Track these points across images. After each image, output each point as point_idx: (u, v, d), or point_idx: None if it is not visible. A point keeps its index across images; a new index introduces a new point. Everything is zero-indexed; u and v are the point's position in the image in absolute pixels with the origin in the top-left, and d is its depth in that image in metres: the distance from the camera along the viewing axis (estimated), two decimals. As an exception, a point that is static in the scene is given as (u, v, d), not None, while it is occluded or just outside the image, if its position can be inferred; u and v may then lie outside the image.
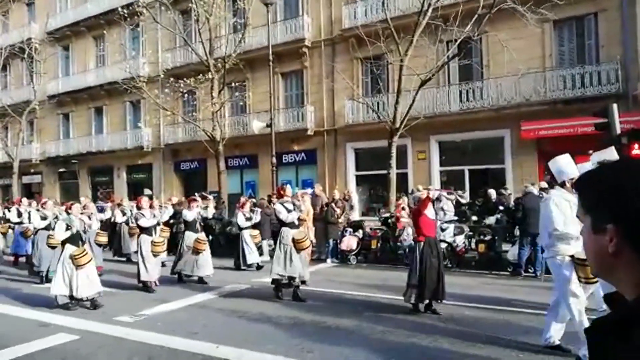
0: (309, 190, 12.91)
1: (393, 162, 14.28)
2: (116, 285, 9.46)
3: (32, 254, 10.56)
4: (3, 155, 28.14)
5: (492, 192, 12.30)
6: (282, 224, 8.01)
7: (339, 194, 13.77)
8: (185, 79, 17.83)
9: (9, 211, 13.34)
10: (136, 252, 11.24)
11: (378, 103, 17.03)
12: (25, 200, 13.79)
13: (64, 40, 28.01)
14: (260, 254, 12.92)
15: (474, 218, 12.22)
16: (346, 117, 18.37)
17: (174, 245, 11.14)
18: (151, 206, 9.83)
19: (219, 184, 17.54)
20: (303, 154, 20.02)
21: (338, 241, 12.32)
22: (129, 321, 6.71)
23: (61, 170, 28.47)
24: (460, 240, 11.20)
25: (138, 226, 9.46)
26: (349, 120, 18.32)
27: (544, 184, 11.77)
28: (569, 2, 13.52)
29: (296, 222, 8.08)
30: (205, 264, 9.67)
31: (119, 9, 19.64)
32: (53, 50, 28.23)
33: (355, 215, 15.10)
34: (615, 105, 9.50)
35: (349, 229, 12.61)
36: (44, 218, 10.43)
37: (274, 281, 7.91)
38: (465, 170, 16.85)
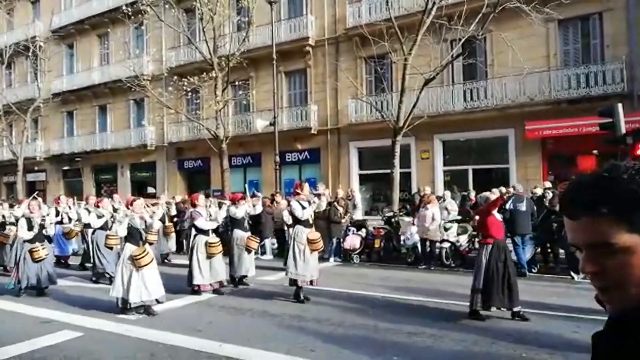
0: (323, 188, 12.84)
1: (396, 161, 14.24)
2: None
3: (94, 254, 9.88)
4: (8, 153, 28.23)
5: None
6: (297, 221, 7.81)
7: (342, 193, 13.76)
8: (189, 78, 17.86)
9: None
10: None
11: (382, 102, 17.00)
12: (63, 198, 12.93)
13: (69, 38, 28.08)
14: (263, 252, 12.94)
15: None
16: (350, 116, 18.35)
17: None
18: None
19: (222, 183, 17.55)
20: (306, 153, 20.02)
21: (341, 240, 12.31)
22: (132, 318, 6.73)
23: (65, 168, 28.56)
24: (463, 239, 11.19)
25: (194, 226, 8.60)
26: (352, 119, 18.30)
27: (548, 184, 11.77)
28: (574, 2, 13.47)
29: (310, 220, 7.88)
30: (252, 264, 9.19)
31: (123, 7, 19.71)
32: (57, 49, 28.29)
33: (359, 215, 15.09)
34: (620, 105, 9.47)
35: (352, 228, 12.60)
36: (100, 217, 9.91)
37: (292, 282, 7.68)
38: (469, 170, 16.80)
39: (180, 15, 20.03)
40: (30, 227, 8.32)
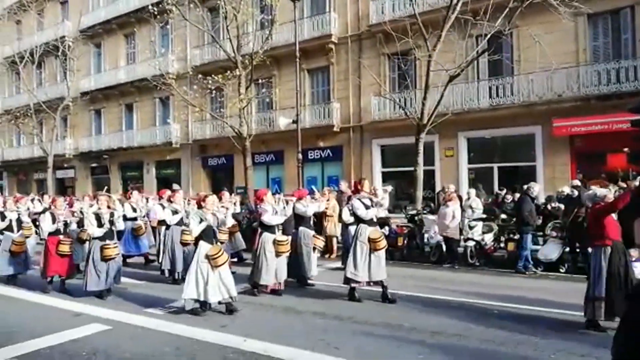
0: (344, 185, 12.82)
1: (420, 159, 14.12)
2: (145, 278, 9.69)
3: (163, 252, 9.38)
4: (38, 150, 29.03)
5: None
6: (359, 220, 7.45)
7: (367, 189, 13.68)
8: (213, 76, 18.04)
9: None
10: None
11: (405, 99, 16.88)
12: (136, 193, 12.15)
13: (96, 38, 28.68)
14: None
15: (503, 216, 11.99)
16: (372, 113, 18.28)
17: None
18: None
19: (245, 180, 17.69)
20: (329, 151, 20.03)
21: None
22: (159, 313, 6.86)
23: (93, 165, 29.22)
24: (488, 238, 11.03)
25: (260, 224, 8.13)
26: (375, 117, 18.22)
27: (577, 182, 11.51)
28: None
29: (375, 219, 7.52)
30: (314, 263, 8.87)
31: (149, 7, 20.00)
32: (86, 48, 28.96)
33: (382, 212, 14.98)
34: (652, 101, 9.19)
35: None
36: (175, 212, 9.28)
37: (347, 281, 7.33)
38: (494, 168, 16.56)
39: (204, 14, 20.22)
40: (100, 224, 7.89)
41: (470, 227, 11.10)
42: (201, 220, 6.73)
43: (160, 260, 9.63)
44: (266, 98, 21.22)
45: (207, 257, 6.56)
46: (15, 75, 32.04)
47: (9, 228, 9.32)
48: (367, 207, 7.39)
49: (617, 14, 14.58)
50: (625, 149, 13.61)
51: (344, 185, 13.07)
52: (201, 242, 6.72)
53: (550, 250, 9.91)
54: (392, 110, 17.52)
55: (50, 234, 8.44)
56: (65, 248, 8.34)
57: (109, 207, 8.37)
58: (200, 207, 7.02)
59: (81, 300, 7.68)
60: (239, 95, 17.07)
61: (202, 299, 6.55)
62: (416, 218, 12.61)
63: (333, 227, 12.00)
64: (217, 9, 20.01)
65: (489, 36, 13.26)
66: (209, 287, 6.49)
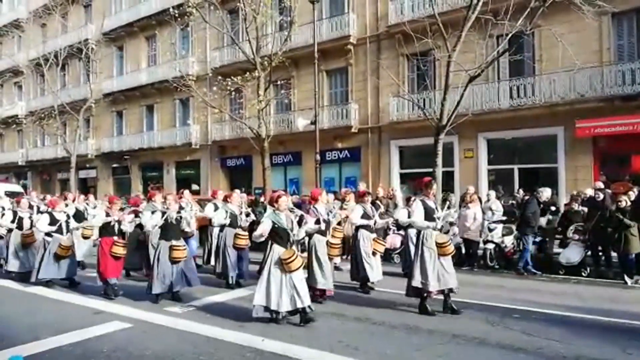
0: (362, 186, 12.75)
1: (439, 160, 13.95)
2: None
3: (216, 254, 9.09)
4: (62, 151, 29.60)
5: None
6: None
7: (383, 192, 13.64)
8: (232, 77, 18.17)
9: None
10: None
11: (424, 100, 16.75)
12: (187, 193, 11.54)
13: (119, 40, 29.18)
14: None
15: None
16: (391, 114, 18.19)
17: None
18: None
19: (263, 181, 17.77)
20: (347, 152, 20.00)
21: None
22: (178, 312, 6.93)
23: (114, 165, 29.72)
24: (508, 241, 10.87)
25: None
26: (393, 118, 18.13)
27: (600, 185, 11.27)
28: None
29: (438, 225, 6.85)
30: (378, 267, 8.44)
31: (170, 10, 20.25)
32: (108, 50, 29.49)
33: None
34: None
35: (393, 227, 12.44)
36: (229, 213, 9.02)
37: (415, 291, 6.68)
38: (514, 170, 16.32)
39: (224, 16, 20.38)
40: (166, 224, 7.52)
41: (490, 230, 10.96)
42: (274, 225, 6.16)
43: (205, 262, 9.64)
44: (284, 99, 21.29)
45: (280, 260, 6.03)
46: (40, 78, 32.75)
47: (58, 230, 8.85)
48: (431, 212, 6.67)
49: (643, 13, 14.26)
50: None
51: (361, 187, 13.02)
52: (274, 246, 6.18)
53: (572, 254, 9.76)
54: (411, 111, 17.42)
55: (103, 234, 8.09)
56: (119, 250, 8.00)
57: (181, 207, 8.09)
58: (272, 207, 6.48)
59: (102, 299, 7.82)
60: (258, 97, 17.16)
61: (272, 307, 6.01)
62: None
63: (350, 228, 11.95)
64: (237, 11, 20.21)
65: (509, 36, 13.06)
66: (282, 294, 5.98)
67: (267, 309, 6.06)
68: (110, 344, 5.51)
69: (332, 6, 20.70)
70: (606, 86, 14.11)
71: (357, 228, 8.33)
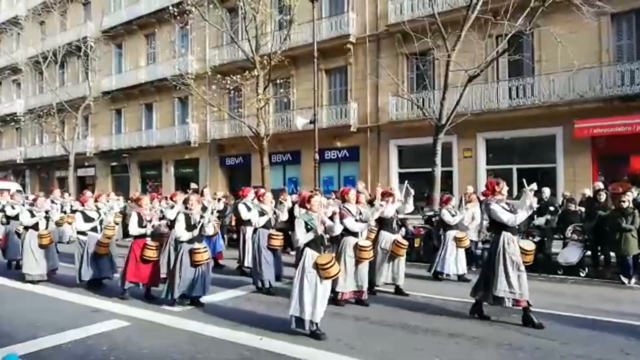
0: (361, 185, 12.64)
1: (438, 159, 14.00)
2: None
3: (253, 257, 8.55)
4: (60, 148, 29.56)
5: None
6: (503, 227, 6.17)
7: (382, 191, 13.62)
8: (231, 76, 18.18)
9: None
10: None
11: (423, 99, 16.77)
12: (207, 191, 11.25)
13: (118, 38, 29.11)
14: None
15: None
16: (390, 113, 18.20)
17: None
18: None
19: (262, 180, 17.77)
20: (346, 151, 20.01)
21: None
22: (176, 310, 6.92)
23: (113, 164, 29.68)
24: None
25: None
26: (392, 117, 18.14)
27: (599, 185, 11.28)
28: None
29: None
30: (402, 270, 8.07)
31: (170, 8, 20.24)
32: (107, 48, 29.43)
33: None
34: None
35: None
36: (262, 214, 8.55)
37: (498, 300, 6.07)
38: (513, 170, 16.33)
39: (223, 14, 20.36)
40: (189, 226, 7.02)
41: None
42: (309, 229, 5.68)
43: (240, 264, 9.55)
44: (284, 98, 21.28)
45: (317, 266, 5.55)
46: (39, 75, 32.69)
47: (94, 228, 8.61)
48: (510, 212, 6.11)
49: (642, 13, 14.28)
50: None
51: (360, 186, 13.03)
52: (307, 249, 5.69)
53: (571, 254, 9.76)
54: (410, 111, 17.42)
55: (136, 236, 7.76)
56: (150, 253, 7.57)
57: (204, 207, 7.75)
58: (304, 208, 6.02)
59: (101, 297, 7.81)
60: (257, 95, 17.16)
61: (306, 317, 5.48)
62: (433, 219, 12.51)
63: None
64: (236, 9, 20.18)
65: (509, 36, 13.08)
66: (317, 302, 5.50)
67: (300, 320, 5.56)
68: (109, 341, 5.51)
69: (332, 5, 20.69)
70: (605, 86, 14.13)
71: (379, 230, 8.03)
